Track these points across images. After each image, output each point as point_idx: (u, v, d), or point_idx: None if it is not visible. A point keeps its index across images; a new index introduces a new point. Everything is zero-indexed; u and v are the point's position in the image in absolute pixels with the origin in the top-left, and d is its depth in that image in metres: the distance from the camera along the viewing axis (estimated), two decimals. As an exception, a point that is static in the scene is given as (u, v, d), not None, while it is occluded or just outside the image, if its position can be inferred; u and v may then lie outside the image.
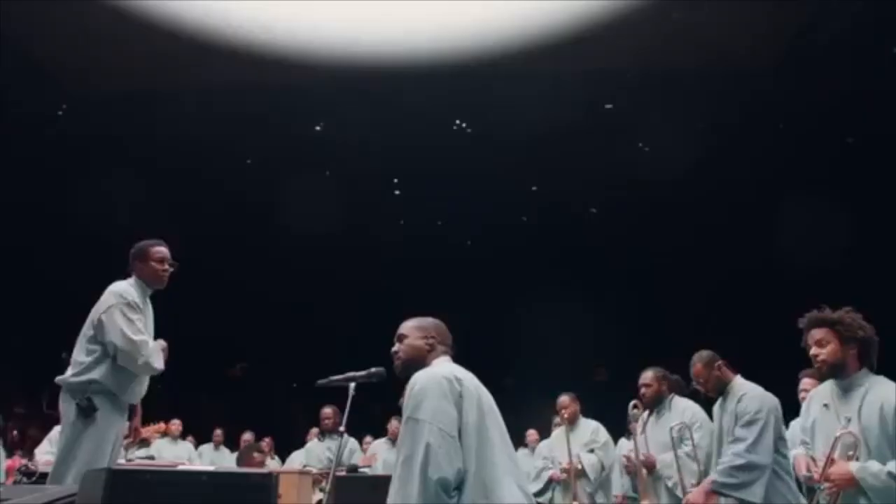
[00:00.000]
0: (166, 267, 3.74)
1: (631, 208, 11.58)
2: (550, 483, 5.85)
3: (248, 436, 8.74)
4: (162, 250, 3.76)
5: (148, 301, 3.80)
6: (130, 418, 3.81)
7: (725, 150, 10.21)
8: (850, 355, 2.94)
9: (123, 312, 3.52)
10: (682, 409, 4.58)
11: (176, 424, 8.18)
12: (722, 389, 3.93)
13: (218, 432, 8.84)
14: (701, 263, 11.70)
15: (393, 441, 7.08)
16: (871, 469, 2.73)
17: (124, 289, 3.63)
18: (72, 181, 10.11)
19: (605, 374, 13.60)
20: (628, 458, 4.88)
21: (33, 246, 10.61)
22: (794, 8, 8.29)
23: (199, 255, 11.64)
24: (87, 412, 3.40)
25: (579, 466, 5.51)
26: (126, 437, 3.82)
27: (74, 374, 3.47)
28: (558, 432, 6.01)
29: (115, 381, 3.50)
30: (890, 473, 2.68)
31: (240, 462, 5.97)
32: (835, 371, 2.98)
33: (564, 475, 5.57)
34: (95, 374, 3.46)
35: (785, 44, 8.83)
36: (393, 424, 7.12)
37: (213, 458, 8.26)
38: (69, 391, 3.47)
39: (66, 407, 3.47)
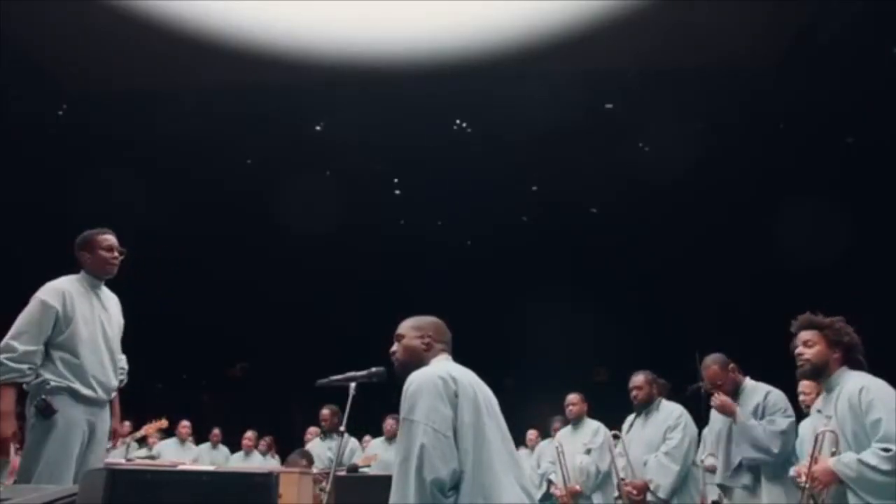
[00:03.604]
0: (115, 255, 3.65)
1: (631, 208, 11.58)
2: (551, 495, 5.92)
3: (250, 434, 8.72)
4: (109, 238, 3.67)
5: (102, 292, 3.70)
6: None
7: (725, 150, 10.21)
8: (834, 359, 3.04)
9: (36, 310, 3.43)
10: (670, 410, 4.83)
11: (185, 426, 8.13)
12: (735, 391, 4.01)
13: (216, 431, 8.83)
14: (701, 263, 11.70)
15: (389, 439, 7.06)
16: (844, 460, 2.80)
17: (58, 285, 3.53)
18: (72, 181, 10.11)
19: (605, 374, 13.61)
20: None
21: (32, 246, 10.61)
22: (794, 8, 8.28)
23: (199, 255, 11.71)
24: (45, 413, 3.31)
25: (578, 487, 5.59)
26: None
27: (33, 376, 3.38)
28: (557, 439, 6.07)
29: (68, 375, 3.40)
30: (860, 461, 2.74)
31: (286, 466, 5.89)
32: (816, 371, 3.08)
33: (564, 499, 5.64)
34: (46, 373, 3.37)
35: (785, 44, 8.82)
36: (388, 423, 7.10)
37: (213, 458, 8.24)
38: (29, 393, 3.40)
39: (28, 408, 3.40)
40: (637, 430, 4.90)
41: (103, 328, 3.59)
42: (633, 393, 4.87)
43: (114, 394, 3.68)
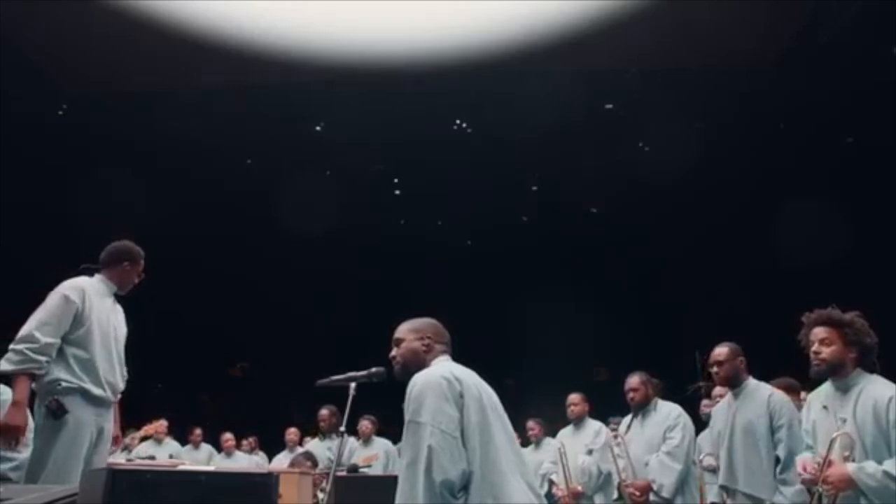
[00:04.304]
0: (141, 277, 3.80)
1: (631, 208, 11.59)
2: (552, 495, 5.92)
3: (228, 435, 8.72)
4: (143, 263, 3.81)
5: (115, 301, 3.76)
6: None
7: (726, 150, 10.21)
8: (850, 358, 2.95)
9: (58, 304, 3.44)
10: (668, 411, 4.82)
11: (161, 425, 8.11)
12: (735, 383, 4.00)
13: (197, 431, 8.79)
14: (701, 263, 11.70)
15: (365, 441, 6.98)
16: (867, 469, 2.74)
17: (79, 283, 3.57)
18: (72, 181, 10.11)
19: (605, 374, 13.61)
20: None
21: (32, 246, 10.61)
22: (794, 8, 8.29)
23: (199, 255, 11.71)
24: (56, 414, 3.29)
25: (580, 488, 5.59)
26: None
27: (42, 375, 3.36)
28: (559, 439, 6.07)
29: (80, 374, 3.41)
30: (886, 473, 2.68)
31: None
32: (832, 371, 2.99)
33: (566, 499, 5.64)
34: (58, 370, 3.37)
35: (785, 44, 8.82)
36: (363, 424, 7.02)
37: (194, 458, 8.17)
38: (38, 393, 3.39)
39: (37, 408, 3.39)
40: (636, 431, 4.89)
41: (115, 332, 3.65)
42: (630, 395, 4.88)
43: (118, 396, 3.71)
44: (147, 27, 8.36)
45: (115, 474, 2.31)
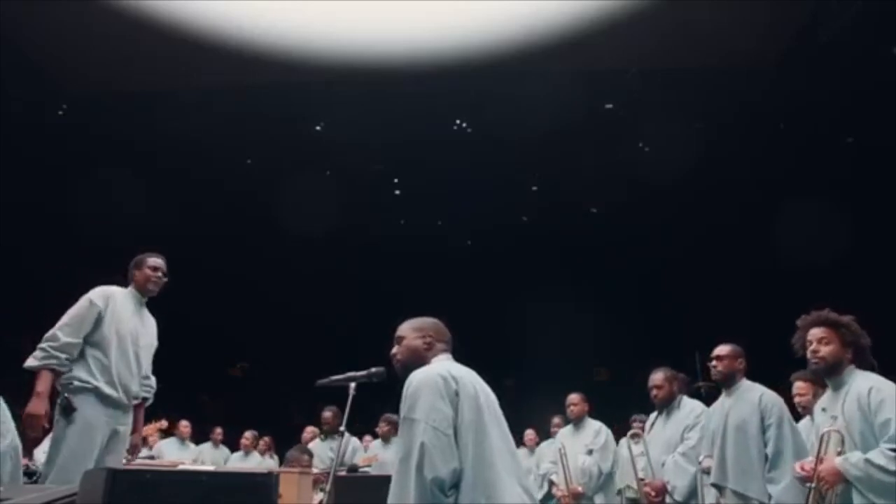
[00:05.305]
0: (159, 275, 3.91)
1: (631, 208, 11.59)
2: (552, 496, 5.89)
3: (248, 434, 8.72)
4: (157, 261, 3.94)
5: (143, 309, 3.92)
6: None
7: (726, 150, 10.22)
8: (847, 358, 3.01)
9: (82, 307, 3.62)
10: (690, 409, 4.63)
11: (185, 426, 8.13)
12: (730, 383, 4.00)
13: (218, 431, 8.81)
14: (701, 263, 11.70)
15: (384, 440, 7.01)
16: (851, 460, 2.78)
17: (108, 290, 3.74)
18: (72, 181, 10.12)
19: (605, 374, 13.63)
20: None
21: (33, 246, 10.62)
22: (794, 8, 8.29)
23: (199, 255, 11.71)
24: (66, 411, 3.45)
25: (580, 488, 5.56)
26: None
27: (68, 368, 3.53)
28: (559, 440, 6.05)
29: (96, 374, 3.55)
30: (868, 461, 2.72)
31: (286, 463, 5.85)
32: (830, 370, 3.03)
33: (566, 500, 5.61)
34: (77, 370, 3.53)
35: (785, 44, 8.83)
36: (381, 426, 7.05)
37: (214, 457, 8.23)
38: (57, 389, 3.54)
39: (56, 406, 3.53)
40: (658, 430, 4.69)
41: (136, 338, 3.79)
42: (653, 392, 4.64)
43: (136, 401, 3.81)
44: (147, 27, 8.36)
45: (115, 474, 2.32)
